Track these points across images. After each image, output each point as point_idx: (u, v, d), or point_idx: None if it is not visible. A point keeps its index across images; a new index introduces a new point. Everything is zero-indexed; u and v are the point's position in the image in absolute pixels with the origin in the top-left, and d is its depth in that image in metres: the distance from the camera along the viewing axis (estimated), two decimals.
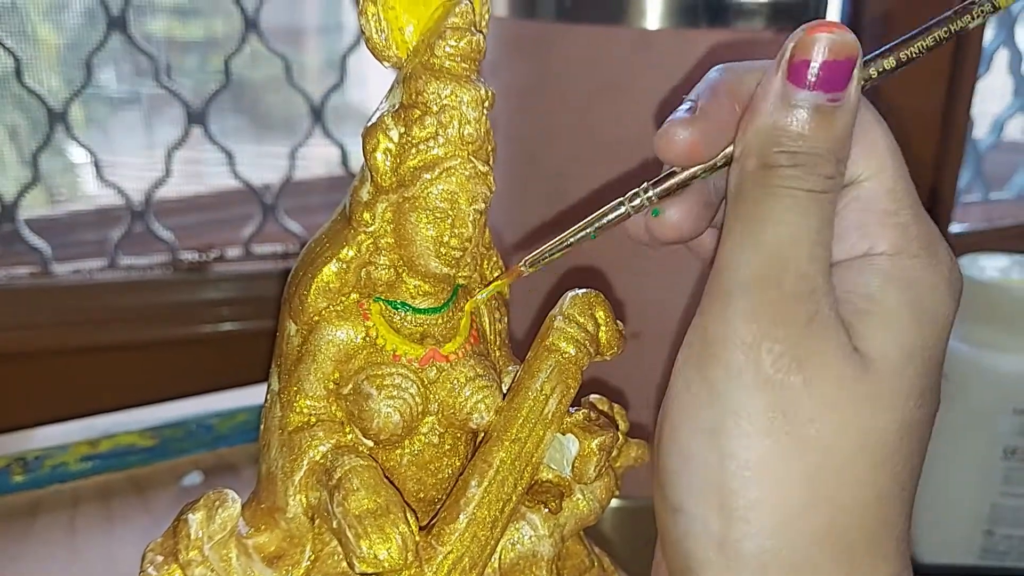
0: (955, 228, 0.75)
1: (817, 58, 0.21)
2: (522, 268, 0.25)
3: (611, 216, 0.24)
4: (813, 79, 0.21)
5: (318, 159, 0.79)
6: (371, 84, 0.78)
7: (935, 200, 0.72)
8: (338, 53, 0.72)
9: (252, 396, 0.51)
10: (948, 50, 0.69)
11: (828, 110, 0.21)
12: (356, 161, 0.74)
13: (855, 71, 0.22)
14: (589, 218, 0.24)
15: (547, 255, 0.25)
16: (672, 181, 0.24)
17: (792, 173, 0.21)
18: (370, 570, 0.22)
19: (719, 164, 0.23)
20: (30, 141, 0.67)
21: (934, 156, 0.72)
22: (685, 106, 0.24)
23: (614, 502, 0.50)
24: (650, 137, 0.43)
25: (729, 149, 0.23)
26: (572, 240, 0.24)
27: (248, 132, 0.77)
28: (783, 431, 0.20)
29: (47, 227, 0.70)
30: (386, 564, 0.22)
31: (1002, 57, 0.87)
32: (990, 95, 0.88)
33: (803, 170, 0.21)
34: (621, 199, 0.24)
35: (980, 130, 0.91)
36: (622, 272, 0.45)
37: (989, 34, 0.82)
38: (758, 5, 0.44)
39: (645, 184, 0.24)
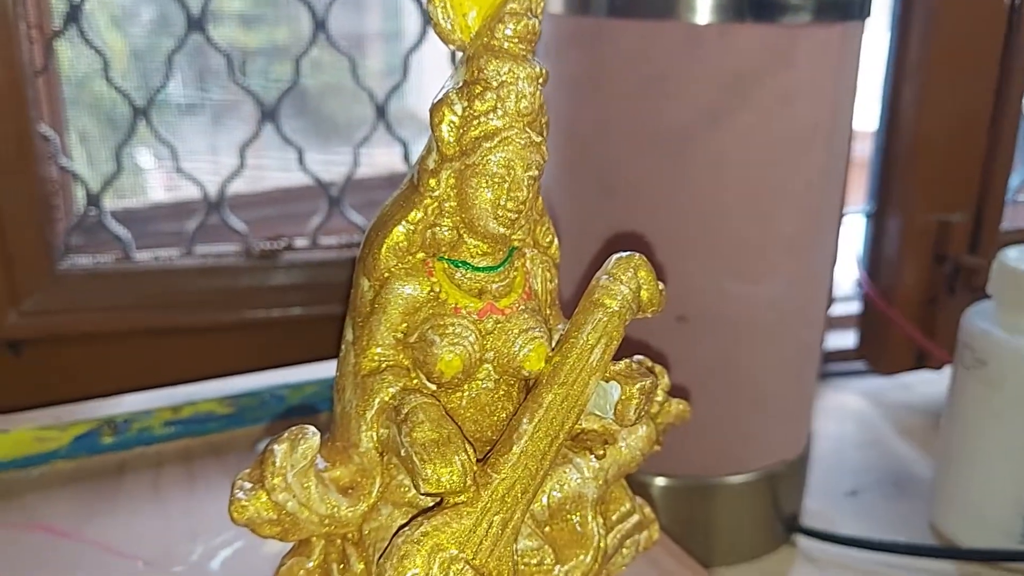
0: (1005, 225, 0.75)
1: None
2: None
3: None
4: None
5: (380, 157, 0.82)
6: (426, 93, 0.81)
7: (984, 199, 0.73)
8: (398, 57, 0.75)
9: (320, 371, 0.55)
10: (996, 51, 0.70)
11: None
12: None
13: None
14: None
15: None
16: None
17: None
18: (433, 491, 0.25)
19: None
20: (109, 139, 0.72)
21: (983, 156, 0.72)
22: None
23: (662, 480, 0.52)
24: (696, 129, 0.45)
25: None
26: None
27: (310, 137, 0.81)
28: None
29: (128, 218, 0.74)
30: (447, 486, 0.25)
31: None
32: None
33: None
34: None
35: None
36: (668, 256, 0.47)
37: None
38: (804, 1, 0.46)
39: None
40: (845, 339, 0.81)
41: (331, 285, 0.70)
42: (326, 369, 0.55)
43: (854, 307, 0.81)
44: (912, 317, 0.75)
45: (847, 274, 0.82)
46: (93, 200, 0.70)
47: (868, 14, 0.50)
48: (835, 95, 0.49)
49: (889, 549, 0.54)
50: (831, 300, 0.75)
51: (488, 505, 0.25)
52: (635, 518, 0.31)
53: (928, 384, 0.78)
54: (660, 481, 0.53)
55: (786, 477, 0.55)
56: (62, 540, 0.43)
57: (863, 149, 0.78)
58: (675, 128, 0.47)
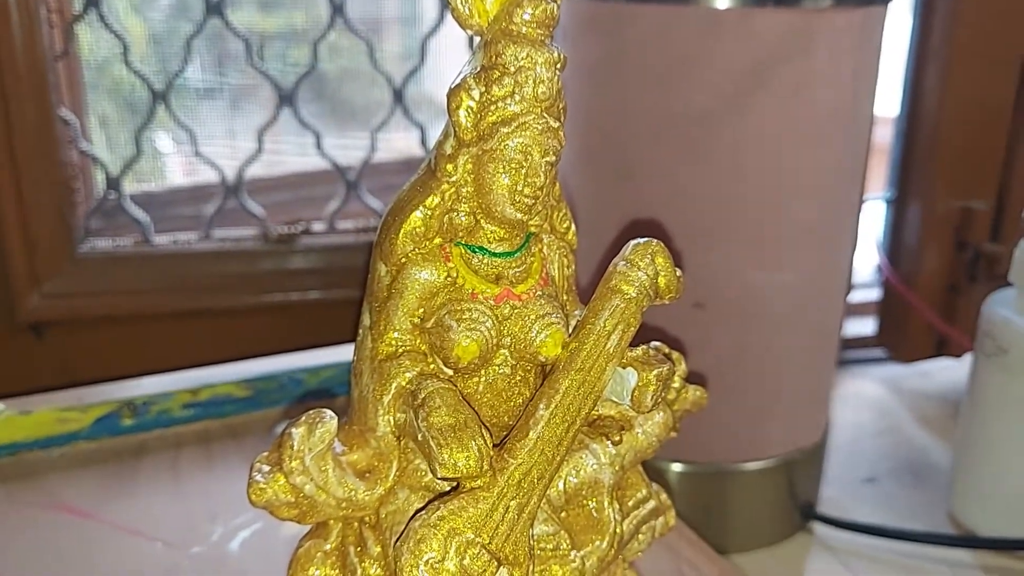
0: None
1: None
2: None
3: None
4: None
5: (398, 142, 0.82)
6: (444, 77, 0.81)
7: (1007, 186, 0.72)
8: (416, 41, 0.75)
9: (338, 355, 0.55)
10: (1020, 35, 0.69)
11: None
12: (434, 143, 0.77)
13: None
14: None
15: None
16: None
17: None
18: (450, 476, 0.25)
19: None
20: (129, 123, 0.72)
21: (1006, 142, 0.71)
22: None
23: (679, 467, 0.52)
24: (716, 114, 0.45)
25: None
26: None
27: (327, 121, 0.81)
28: None
29: (147, 201, 0.75)
30: (463, 470, 0.25)
31: None
32: None
33: None
34: None
35: None
36: (685, 243, 0.47)
37: None
38: None
39: None
40: (864, 326, 0.80)
41: (348, 269, 0.71)
42: (343, 353, 0.55)
43: (874, 294, 0.81)
44: (932, 304, 0.74)
45: (867, 261, 0.82)
46: (113, 184, 0.70)
47: None
48: (856, 80, 0.48)
49: (906, 537, 0.54)
50: (850, 287, 0.75)
51: (504, 490, 0.25)
52: (651, 504, 0.31)
53: (948, 372, 0.77)
54: (677, 467, 0.53)
55: (803, 464, 0.54)
56: (83, 520, 0.44)
57: (884, 135, 0.77)
58: (694, 114, 0.46)
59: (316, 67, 0.72)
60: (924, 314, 0.73)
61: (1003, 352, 0.51)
